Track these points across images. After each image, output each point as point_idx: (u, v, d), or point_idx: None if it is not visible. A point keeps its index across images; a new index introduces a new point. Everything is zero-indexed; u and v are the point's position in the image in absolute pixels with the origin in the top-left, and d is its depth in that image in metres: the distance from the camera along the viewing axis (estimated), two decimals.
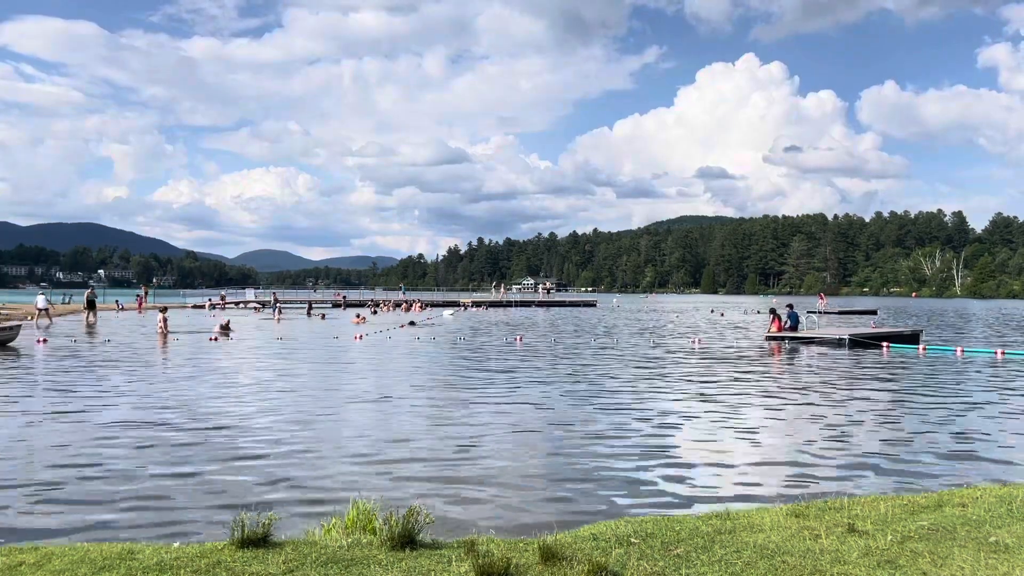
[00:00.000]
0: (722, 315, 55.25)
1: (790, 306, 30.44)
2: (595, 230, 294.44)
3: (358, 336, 27.93)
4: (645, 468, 8.28)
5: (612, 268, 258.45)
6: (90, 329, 31.53)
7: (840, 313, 56.83)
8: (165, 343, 25.09)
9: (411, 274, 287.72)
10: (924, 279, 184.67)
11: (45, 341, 24.40)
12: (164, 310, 32.00)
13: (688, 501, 7.05)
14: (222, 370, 17.53)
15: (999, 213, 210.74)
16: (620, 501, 7.05)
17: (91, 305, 36.65)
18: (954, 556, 4.65)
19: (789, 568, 4.49)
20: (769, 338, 28.26)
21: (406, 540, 4.77)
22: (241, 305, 62.53)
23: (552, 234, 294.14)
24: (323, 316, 44.93)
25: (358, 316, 40.09)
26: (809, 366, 19.44)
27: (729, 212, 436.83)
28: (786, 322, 28.60)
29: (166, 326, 29.56)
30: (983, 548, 4.79)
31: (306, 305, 57.41)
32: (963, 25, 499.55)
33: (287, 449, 9.01)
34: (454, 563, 4.49)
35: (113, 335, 28.01)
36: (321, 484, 7.51)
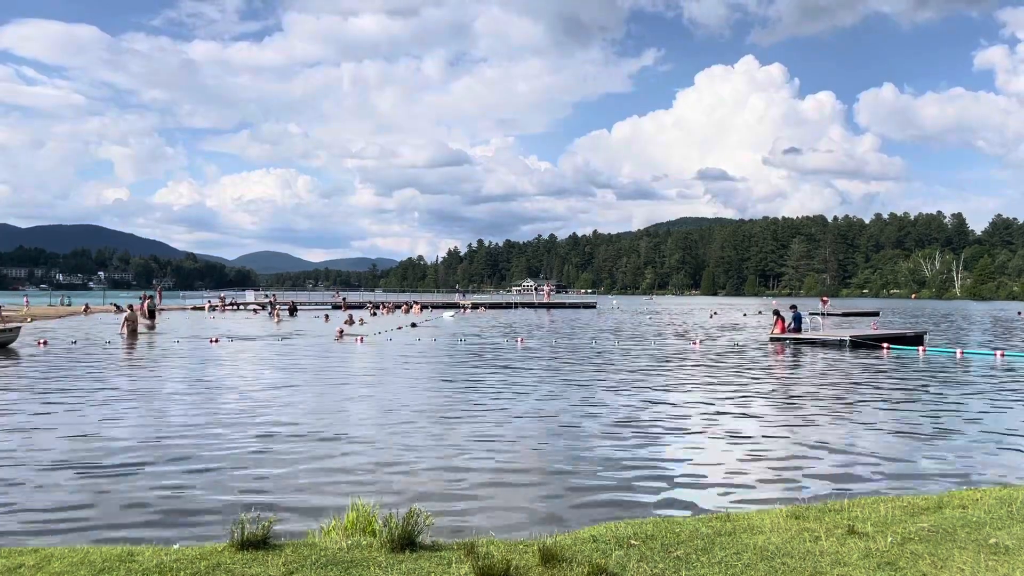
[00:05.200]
0: (714, 314, 55.38)
1: (794, 307, 30.42)
2: (595, 232, 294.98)
3: (359, 338, 27.92)
4: (645, 469, 8.27)
5: (612, 270, 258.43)
6: (150, 331, 32.04)
7: (844, 315, 56.83)
8: (134, 342, 25.69)
9: (411, 276, 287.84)
10: (924, 281, 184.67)
11: (46, 343, 24.40)
12: (132, 308, 32.41)
13: (688, 503, 7.05)
14: (221, 372, 17.53)
15: (999, 215, 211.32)
16: (620, 503, 7.04)
17: (151, 314, 37.53)
18: (954, 558, 4.65)
19: (789, 570, 4.49)
20: (772, 339, 28.27)
21: (406, 542, 4.76)
22: (241, 307, 62.53)
23: (552, 236, 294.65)
24: (327, 317, 45.15)
25: (342, 331, 30.97)
26: (810, 367, 19.43)
27: (729, 214, 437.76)
28: (790, 323, 28.57)
29: (136, 326, 30.09)
30: (983, 550, 4.79)
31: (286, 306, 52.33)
32: (959, 28, 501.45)
33: (286, 450, 9.00)
34: (454, 565, 4.48)
35: (139, 338, 28.01)
36: (321, 486, 7.50)
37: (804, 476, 8.07)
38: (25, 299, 57.55)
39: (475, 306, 66.51)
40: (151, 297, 43.14)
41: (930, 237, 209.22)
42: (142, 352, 22.43)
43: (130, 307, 33.06)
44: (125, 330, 29.11)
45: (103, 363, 19.06)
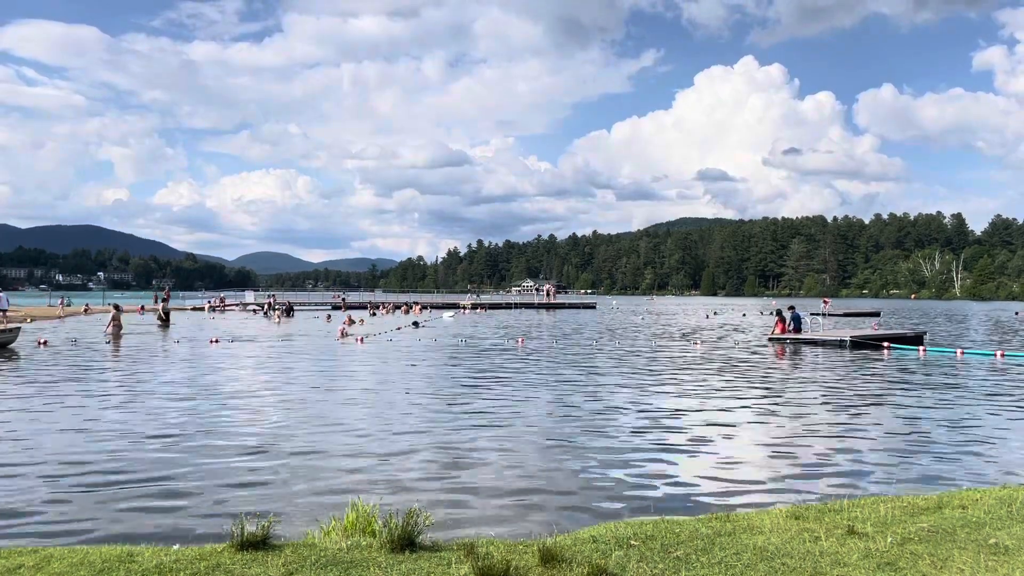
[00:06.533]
0: (714, 313, 55.40)
1: (792, 308, 30.41)
2: (595, 232, 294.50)
3: (359, 338, 27.92)
4: (645, 470, 8.27)
5: (612, 270, 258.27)
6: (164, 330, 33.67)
7: (845, 315, 56.82)
8: (118, 341, 26.10)
9: (410, 276, 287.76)
10: (923, 281, 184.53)
11: (46, 343, 24.40)
12: (118, 308, 32.70)
13: (688, 503, 7.05)
14: (221, 372, 17.52)
15: (998, 215, 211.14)
16: (620, 503, 7.04)
17: (166, 316, 39.40)
18: (954, 558, 4.65)
19: (789, 570, 4.48)
20: (772, 339, 28.26)
21: (406, 542, 4.76)
22: (240, 307, 62.51)
23: (552, 236, 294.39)
24: (328, 317, 45.25)
25: (343, 330, 30.75)
26: (810, 368, 19.43)
27: (729, 214, 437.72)
28: (790, 324, 28.56)
29: (120, 325, 30.25)
30: (983, 550, 4.79)
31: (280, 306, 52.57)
32: (958, 29, 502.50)
33: (286, 451, 9.00)
34: (454, 565, 4.48)
35: (132, 339, 28.01)
36: (321, 486, 7.50)
37: (804, 476, 8.07)
38: (61, 301, 56.86)
39: (475, 306, 66.42)
40: (165, 300, 44.29)
41: (930, 237, 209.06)
42: (143, 353, 22.41)
43: (116, 307, 33.74)
44: (111, 329, 29.53)
45: (103, 364, 19.06)
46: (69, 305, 57.65)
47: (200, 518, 6.48)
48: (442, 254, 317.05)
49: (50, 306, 58.54)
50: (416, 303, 61.60)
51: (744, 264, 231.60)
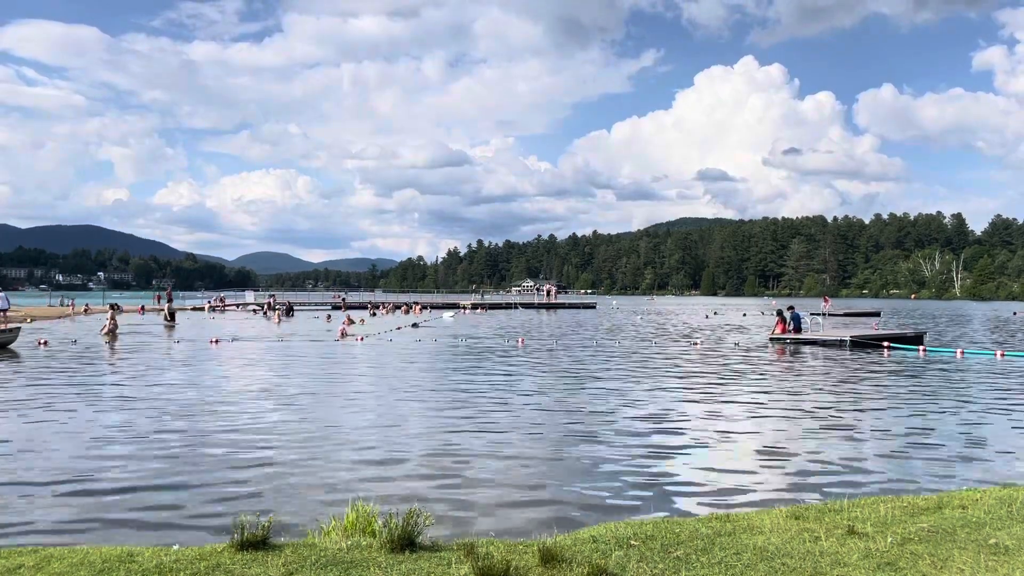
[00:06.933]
0: (714, 313, 55.38)
1: (791, 308, 30.41)
2: (595, 232, 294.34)
3: (360, 338, 27.92)
4: (645, 470, 8.27)
5: (612, 270, 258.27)
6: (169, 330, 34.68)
7: (845, 315, 56.82)
8: (114, 341, 26.29)
9: (410, 276, 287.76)
10: (923, 281, 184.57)
11: (46, 343, 24.40)
12: (115, 307, 32.94)
13: (688, 503, 7.05)
14: (221, 372, 17.53)
15: (998, 215, 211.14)
16: (620, 503, 7.04)
17: (172, 316, 41.11)
18: (954, 558, 4.65)
19: (789, 570, 4.49)
20: (772, 339, 28.27)
21: (406, 542, 4.76)
22: (240, 307, 62.52)
23: (552, 236, 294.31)
24: (328, 317, 45.30)
25: (343, 330, 30.95)
26: (810, 368, 19.43)
27: (729, 214, 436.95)
28: (790, 324, 28.56)
29: (115, 325, 30.47)
30: (983, 550, 4.79)
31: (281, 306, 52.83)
32: (958, 28, 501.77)
33: (286, 451, 9.00)
34: (454, 565, 4.48)
35: (132, 339, 28.02)
36: (321, 486, 7.50)
37: (804, 476, 8.07)
38: (61, 301, 56.96)
39: (475, 306, 66.40)
40: (169, 301, 45.26)
41: (930, 237, 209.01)
42: (143, 353, 22.42)
43: (113, 307, 34.35)
44: (109, 328, 29.81)
45: (103, 365, 19.06)
46: (70, 306, 57.71)
47: (200, 518, 6.48)
48: (442, 254, 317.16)
49: (50, 306, 58.62)
50: (416, 303, 61.57)
51: (744, 264, 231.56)
